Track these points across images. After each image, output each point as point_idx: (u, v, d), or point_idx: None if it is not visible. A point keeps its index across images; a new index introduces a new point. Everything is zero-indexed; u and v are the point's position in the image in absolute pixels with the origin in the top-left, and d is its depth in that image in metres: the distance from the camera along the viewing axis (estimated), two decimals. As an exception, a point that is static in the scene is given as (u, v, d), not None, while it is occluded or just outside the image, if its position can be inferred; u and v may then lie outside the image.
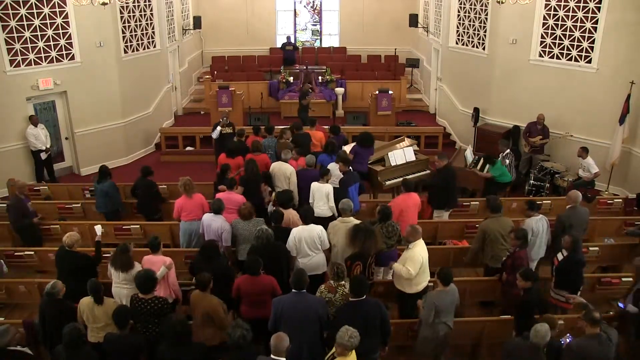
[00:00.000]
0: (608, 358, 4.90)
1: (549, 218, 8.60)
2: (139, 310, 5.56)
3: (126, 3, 12.13)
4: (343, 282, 5.63)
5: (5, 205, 8.76)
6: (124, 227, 8.48)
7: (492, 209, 7.13)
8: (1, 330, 4.94)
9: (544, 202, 9.25)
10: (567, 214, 7.36)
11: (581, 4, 10.68)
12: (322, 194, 7.72)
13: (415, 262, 6.11)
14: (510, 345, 5.10)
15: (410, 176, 9.98)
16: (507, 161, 9.97)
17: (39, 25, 10.80)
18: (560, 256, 6.55)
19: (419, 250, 6.23)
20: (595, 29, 10.60)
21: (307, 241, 6.47)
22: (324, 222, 7.05)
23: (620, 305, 6.28)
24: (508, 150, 10.13)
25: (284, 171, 8.34)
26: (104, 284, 5.89)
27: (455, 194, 8.70)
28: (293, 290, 5.33)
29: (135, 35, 12.88)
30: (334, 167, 8.36)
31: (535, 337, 4.78)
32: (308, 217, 6.63)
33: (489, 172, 9.55)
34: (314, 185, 7.80)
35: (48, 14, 10.85)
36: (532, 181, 10.47)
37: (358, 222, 6.63)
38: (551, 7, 11.13)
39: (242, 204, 7.11)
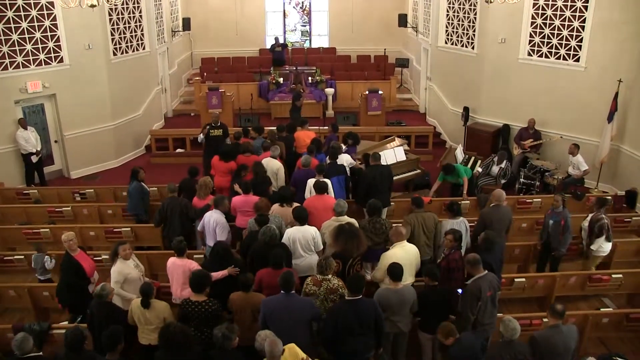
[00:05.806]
0: (570, 346, 5.13)
1: (538, 217, 8.72)
2: (192, 314, 5.45)
3: (115, 5, 12.06)
4: (329, 277, 5.64)
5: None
6: (114, 229, 8.44)
7: (416, 204, 7.10)
8: (23, 338, 4.81)
9: (534, 200, 9.33)
10: (488, 211, 7.24)
11: (569, 3, 10.76)
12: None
13: (381, 266, 6.03)
14: (491, 355, 5.15)
15: (400, 175, 10.11)
16: (503, 166, 10.11)
17: (26, 28, 10.71)
18: None
19: (394, 254, 6.09)
20: (583, 27, 10.69)
21: (301, 242, 6.46)
22: None
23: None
24: (504, 163, 10.18)
25: (272, 167, 8.49)
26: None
27: (386, 195, 8.37)
28: (282, 291, 5.28)
29: (124, 37, 12.82)
30: (347, 157, 8.84)
31: (506, 333, 4.90)
32: (302, 217, 6.59)
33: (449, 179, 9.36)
34: (310, 181, 7.91)
35: (36, 16, 10.77)
36: (522, 179, 10.53)
37: (348, 220, 6.63)
38: (539, 6, 11.21)
39: (260, 199, 7.01)
